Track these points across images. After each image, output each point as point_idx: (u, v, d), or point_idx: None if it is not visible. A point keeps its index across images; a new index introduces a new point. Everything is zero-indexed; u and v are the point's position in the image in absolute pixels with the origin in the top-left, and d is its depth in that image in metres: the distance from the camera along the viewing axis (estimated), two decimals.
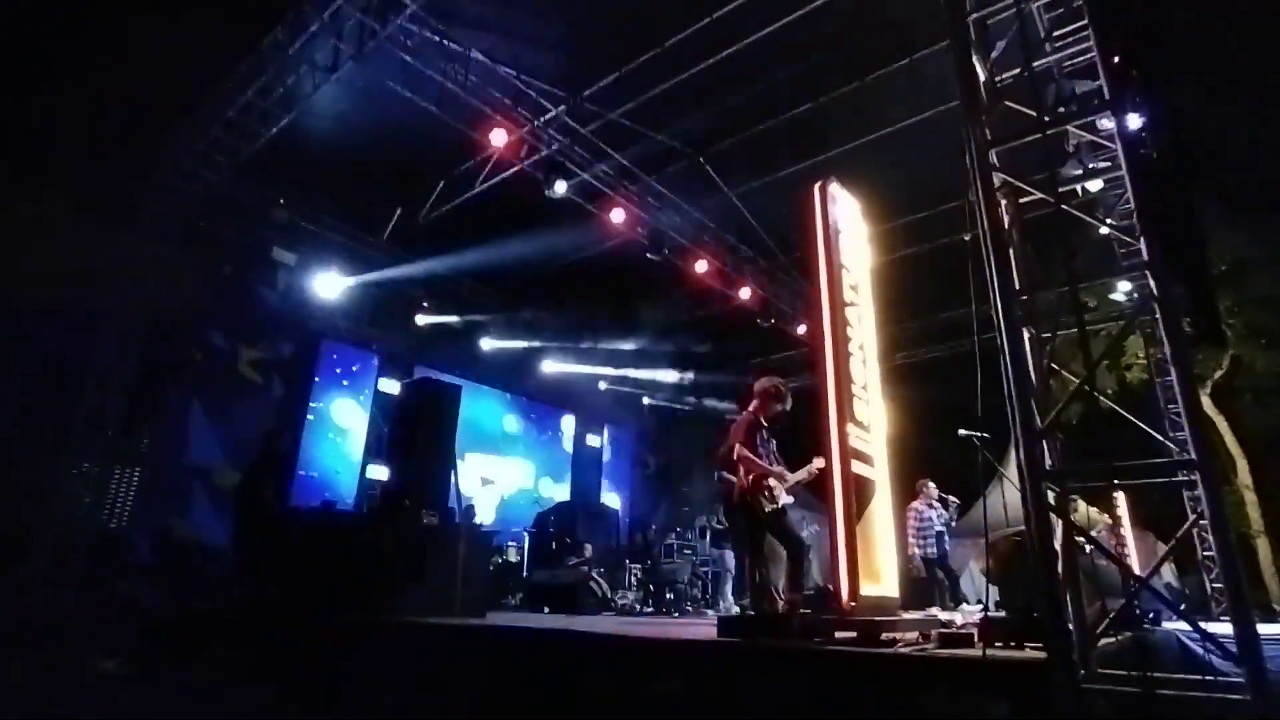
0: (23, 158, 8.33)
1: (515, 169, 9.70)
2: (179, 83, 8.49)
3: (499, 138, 8.83)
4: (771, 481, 4.94)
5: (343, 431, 11.66)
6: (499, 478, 13.76)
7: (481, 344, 13.47)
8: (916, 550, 8.88)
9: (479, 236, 11.32)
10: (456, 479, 6.68)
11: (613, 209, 10.40)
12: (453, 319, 12.82)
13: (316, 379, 11.44)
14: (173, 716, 5.87)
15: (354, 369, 12.08)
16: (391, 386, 11.89)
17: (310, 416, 11.20)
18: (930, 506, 8.99)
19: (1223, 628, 2.95)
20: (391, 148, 9.54)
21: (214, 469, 9.96)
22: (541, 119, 9.25)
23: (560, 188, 9.39)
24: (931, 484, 9.10)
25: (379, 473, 10.81)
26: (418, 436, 6.84)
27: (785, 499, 5.01)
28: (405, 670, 4.90)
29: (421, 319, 12.60)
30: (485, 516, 11.54)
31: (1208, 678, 3.13)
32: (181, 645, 6.77)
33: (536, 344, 14.22)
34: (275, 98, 8.43)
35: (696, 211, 11.35)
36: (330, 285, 11.16)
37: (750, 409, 5.23)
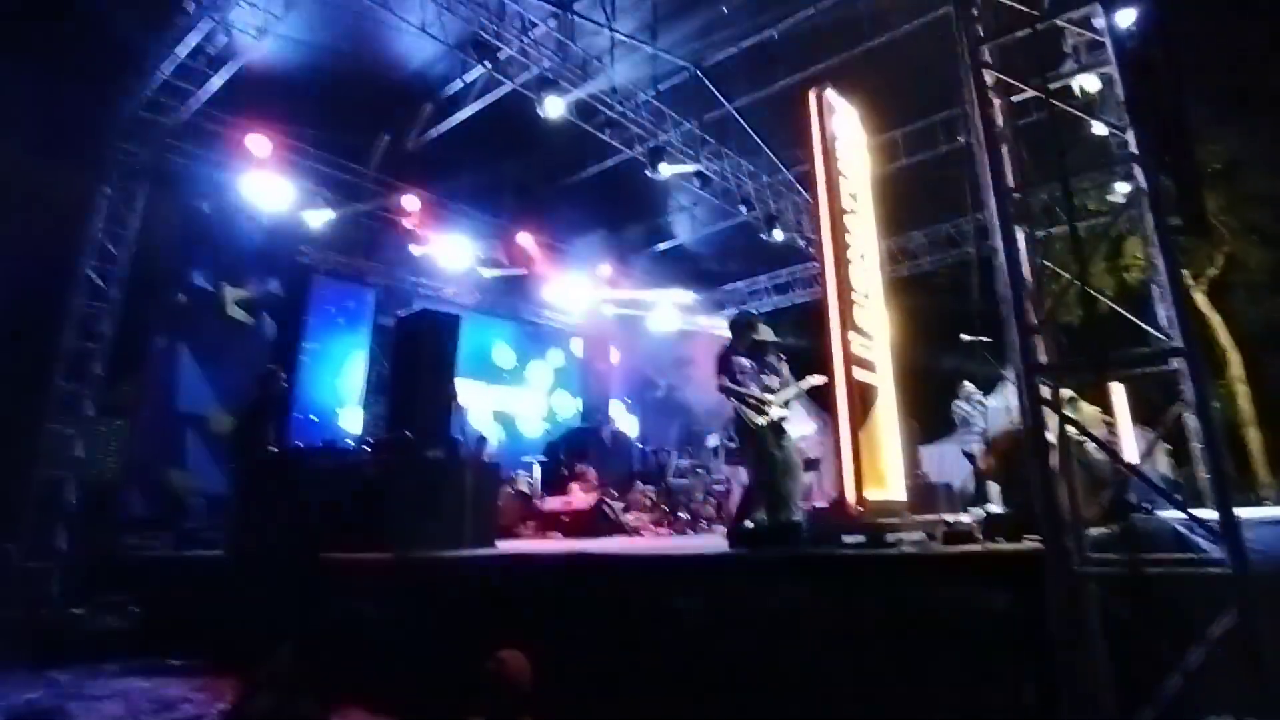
0: None
1: (507, 89, 9.31)
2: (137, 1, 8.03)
3: (486, 56, 8.48)
4: (764, 399, 5.20)
5: (341, 370, 11.56)
6: (505, 407, 13.86)
7: (482, 272, 13.17)
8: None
9: (473, 161, 11.02)
10: (462, 411, 6.71)
11: (609, 126, 10.12)
12: (452, 246, 12.44)
13: (309, 317, 11.22)
14: (185, 665, 6.03)
15: (349, 305, 11.89)
16: (390, 321, 11.65)
17: (304, 357, 11.00)
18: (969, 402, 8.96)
19: (1212, 514, 3.07)
20: (375, 71, 9.18)
21: (208, 415, 9.79)
22: (532, 34, 8.85)
23: (554, 107, 8.97)
24: (967, 383, 9.11)
25: (381, 409, 10.83)
26: (418, 370, 6.80)
27: (779, 414, 5.23)
28: (416, 603, 5.05)
29: (417, 249, 12.22)
30: (498, 447, 11.67)
31: (1193, 556, 3.29)
32: (188, 593, 6.93)
33: (539, 269, 14.02)
34: (244, 19, 7.83)
35: (696, 128, 11.06)
36: (318, 218, 10.70)
37: (726, 345, 5.58)
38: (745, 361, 5.43)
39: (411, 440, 6.31)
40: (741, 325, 5.66)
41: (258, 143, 9.66)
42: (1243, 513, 3.06)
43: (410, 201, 11.59)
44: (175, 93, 8.70)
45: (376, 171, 11.47)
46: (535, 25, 8.86)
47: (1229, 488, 3.05)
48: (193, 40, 7.99)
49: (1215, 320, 14.70)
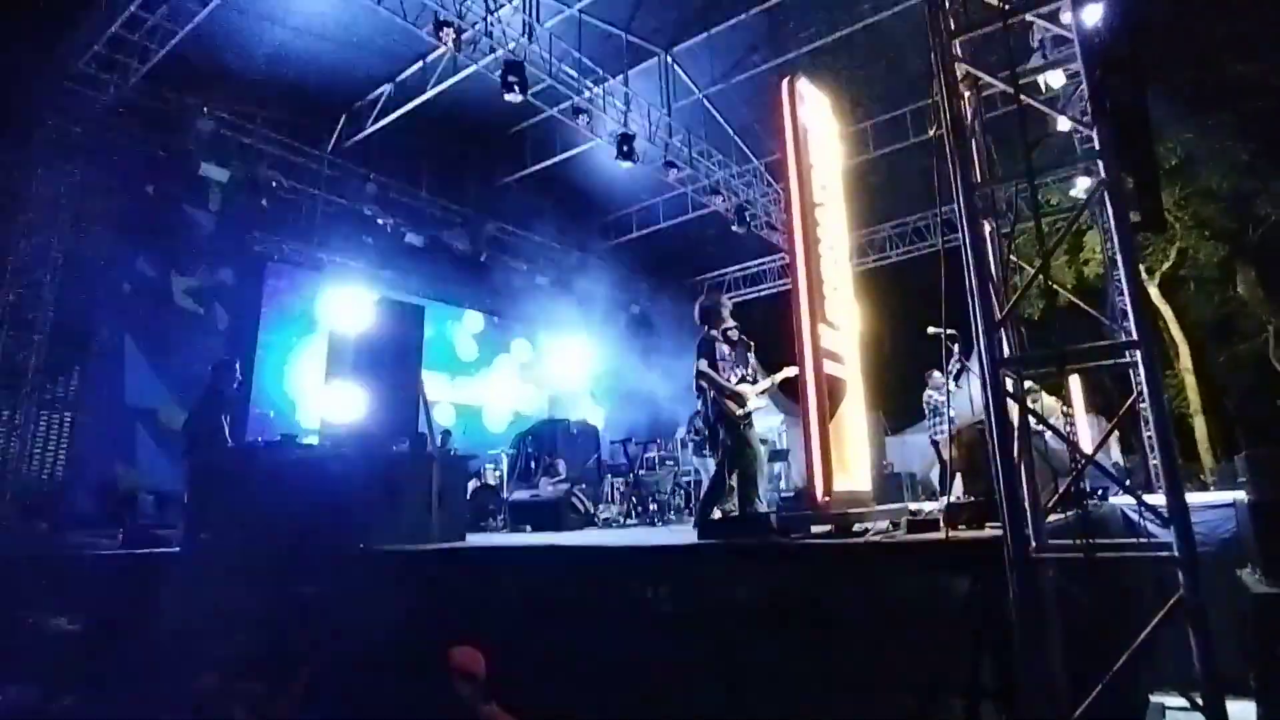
0: None
1: (470, 70, 9.12)
2: None
3: (449, 36, 8.28)
4: (742, 389, 5.16)
5: (299, 362, 11.26)
6: (472, 399, 13.72)
7: (444, 261, 12.97)
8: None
9: (433, 146, 10.80)
10: (427, 405, 6.61)
11: (577, 113, 9.99)
12: (414, 235, 12.25)
13: (264, 307, 10.87)
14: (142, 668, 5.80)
15: (306, 294, 11.60)
16: (350, 311, 11.49)
17: (260, 351, 10.68)
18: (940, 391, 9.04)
19: (1160, 499, 3.19)
20: (331, 51, 8.93)
21: (158, 409, 9.40)
22: (496, 14, 8.66)
23: (519, 90, 8.77)
24: (936, 373, 9.21)
25: (342, 403, 10.57)
26: (380, 362, 6.62)
27: (756, 405, 5.22)
28: (384, 598, 4.99)
29: (377, 238, 11.98)
30: (460, 440, 11.55)
31: (1143, 540, 3.41)
32: (142, 593, 6.70)
33: (505, 259, 13.86)
34: None
35: (666, 115, 11.01)
36: (271, 204, 10.38)
37: (705, 329, 5.46)
38: (726, 349, 5.33)
39: (376, 434, 6.20)
40: (715, 309, 5.50)
41: (205, 123, 9.32)
42: (1189, 498, 3.18)
43: (369, 187, 11.32)
44: (111, 66, 8.31)
45: (333, 156, 11.14)
46: (501, 5, 8.67)
47: (1179, 475, 3.15)
48: (129, 7, 7.64)
49: (1167, 313, 15.20)
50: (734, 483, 5.15)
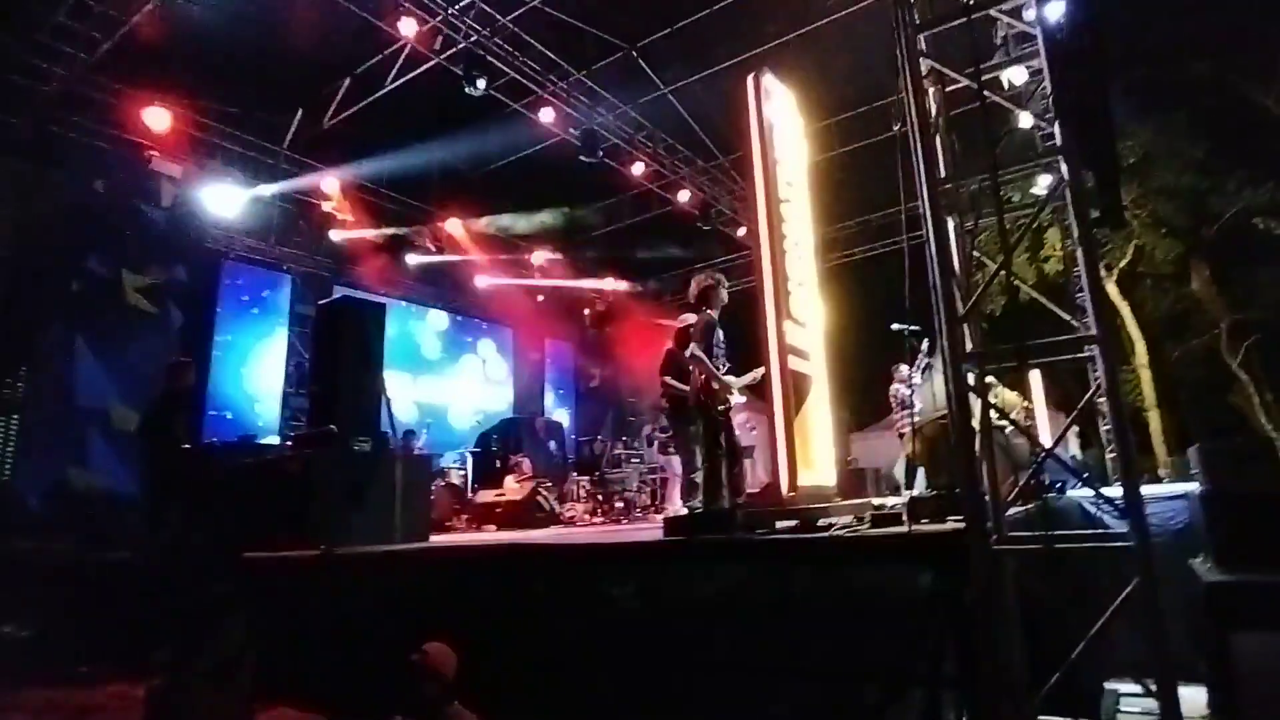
0: None
1: (431, 64, 8.95)
2: None
3: (409, 27, 8.15)
4: (729, 380, 5.07)
5: (256, 362, 11.05)
6: (436, 398, 13.57)
7: (407, 259, 12.76)
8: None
9: (395, 141, 10.60)
10: (389, 404, 6.50)
11: (541, 108, 9.89)
12: (373, 233, 12.01)
13: (220, 306, 10.66)
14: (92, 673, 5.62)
15: (263, 293, 11.37)
16: (310, 310, 11.12)
17: (217, 351, 10.48)
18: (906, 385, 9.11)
19: (1117, 491, 3.24)
20: (287, 41, 8.65)
21: (109, 410, 9.11)
22: (457, 6, 8.50)
23: (481, 84, 8.68)
24: (903, 366, 9.28)
25: (303, 403, 10.42)
26: (341, 360, 6.50)
27: (737, 398, 5.16)
28: (345, 598, 4.90)
29: (337, 235, 11.70)
30: (425, 439, 11.43)
31: (1100, 532, 3.48)
32: (93, 598, 6.49)
33: (467, 256, 13.70)
34: None
35: (632, 110, 10.93)
36: (227, 200, 10.08)
37: (704, 309, 5.23)
38: (721, 334, 5.13)
39: (337, 434, 6.09)
40: (715, 290, 5.18)
41: (156, 116, 9.01)
42: (1144, 490, 3.24)
43: (328, 184, 11.09)
44: (55, 56, 8.03)
45: (290, 151, 10.89)
46: None
47: (1134, 468, 3.21)
48: None
49: (1124, 309, 15.56)
50: (698, 479, 5.11)
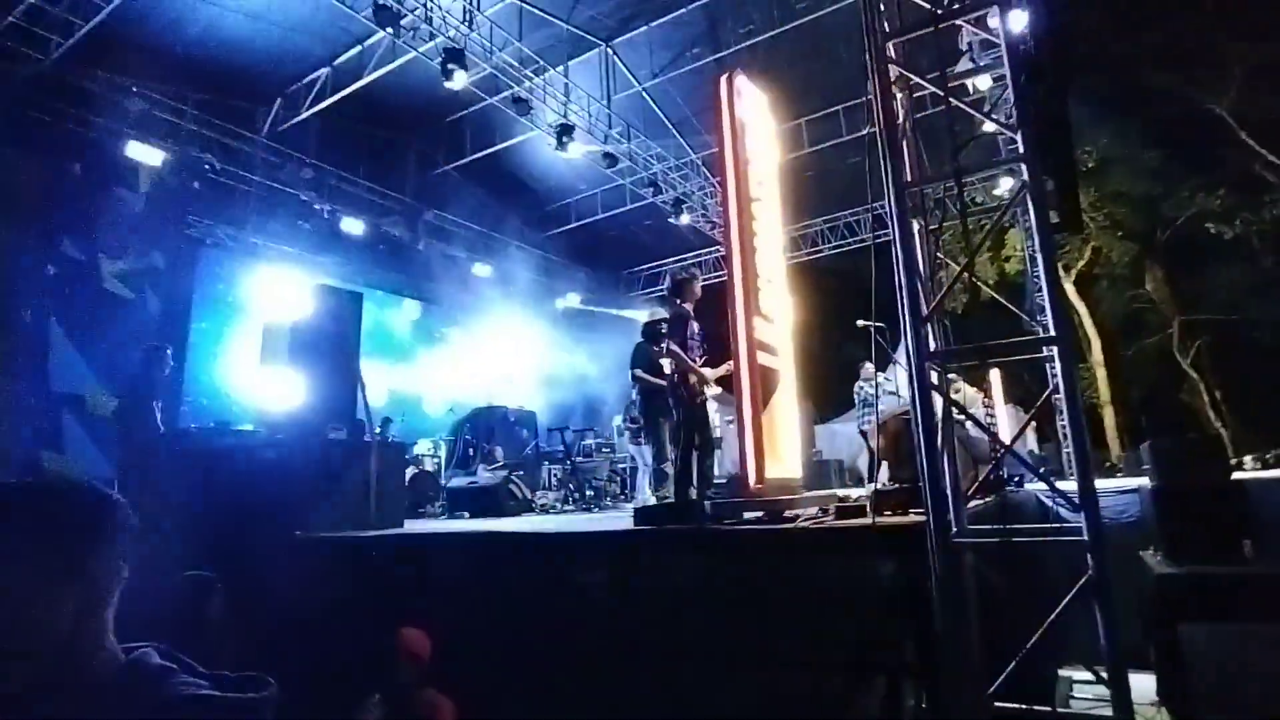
0: None
1: (409, 56, 8.92)
2: None
3: (387, 18, 8.11)
4: (705, 372, 5.16)
5: (233, 348, 10.94)
6: (409, 387, 13.50)
7: (382, 248, 12.70)
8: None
9: (372, 132, 10.55)
10: (365, 393, 6.52)
11: (517, 102, 9.92)
12: (351, 222, 11.96)
13: (197, 293, 10.53)
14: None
15: (241, 280, 11.25)
16: (287, 297, 11.04)
17: (194, 337, 10.35)
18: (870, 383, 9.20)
19: (1072, 485, 3.37)
20: (267, 31, 8.61)
21: (85, 395, 9.01)
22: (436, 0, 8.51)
23: (460, 78, 8.65)
24: (868, 364, 9.41)
25: (278, 390, 10.36)
26: (318, 349, 6.52)
27: (712, 390, 5.25)
28: (321, 584, 4.90)
29: (314, 224, 11.66)
30: (399, 428, 11.38)
31: (1055, 525, 3.63)
32: None
33: (443, 247, 13.63)
34: None
35: (606, 106, 10.99)
36: (205, 187, 10.03)
37: (677, 302, 5.33)
38: (696, 326, 5.21)
39: (314, 421, 6.10)
40: (690, 284, 5.28)
41: (134, 102, 8.93)
42: (1098, 484, 3.38)
43: (305, 173, 11.01)
44: (30, 39, 7.89)
45: (268, 140, 10.78)
46: None
47: (1089, 464, 3.33)
48: None
49: (1081, 309, 16.02)
50: (667, 469, 5.19)
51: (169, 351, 7.60)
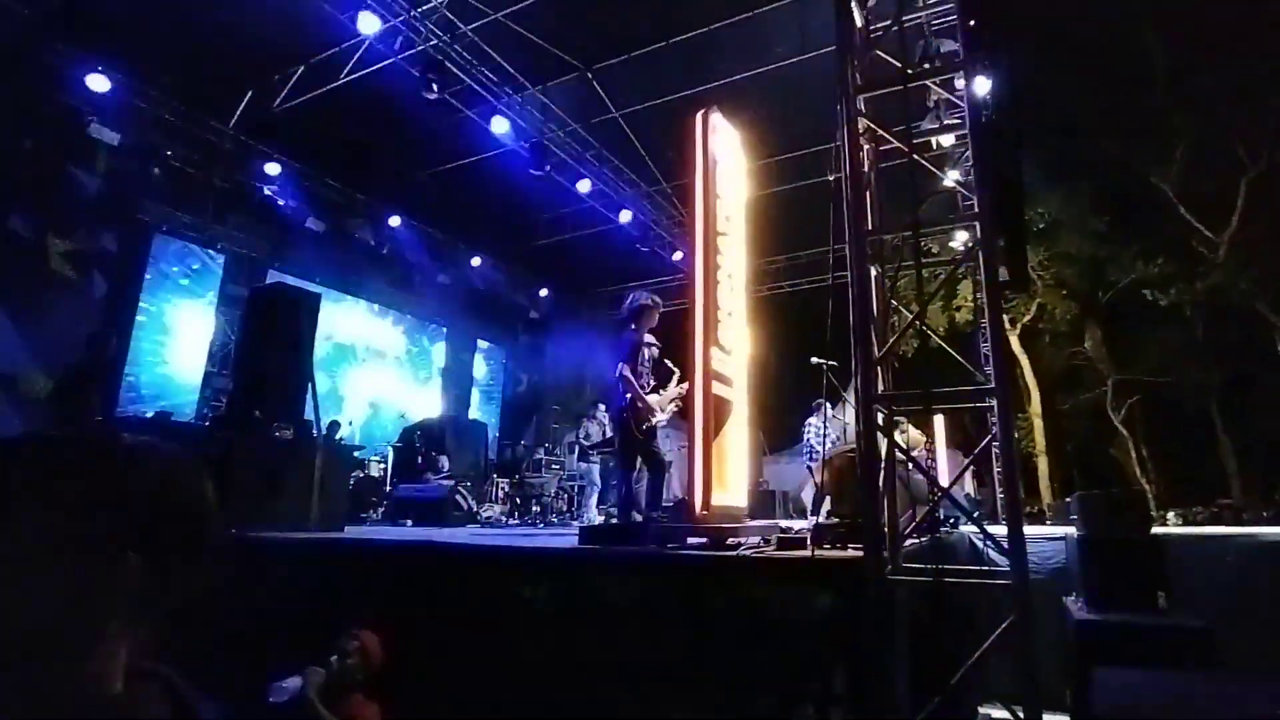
0: None
1: (388, 61, 8.93)
2: None
3: (369, 23, 8.11)
4: (652, 400, 5.23)
5: (180, 336, 10.68)
6: (364, 393, 13.31)
7: (345, 250, 12.58)
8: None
9: (344, 133, 10.45)
10: (315, 393, 6.42)
11: (494, 117, 9.97)
12: (314, 221, 11.86)
13: (147, 279, 10.26)
14: None
15: (194, 268, 11.01)
16: (241, 290, 10.87)
17: (141, 318, 10.07)
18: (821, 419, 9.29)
19: (1003, 529, 3.53)
20: (243, 21, 8.44)
21: (19, 375, 8.65)
22: (420, 8, 8.55)
23: (437, 88, 8.70)
24: (826, 405, 9.56)
25: (225, 384, 10.15)
26: (271, 346, 6.42)
27: (661, 418, 5.33)
28: (255, 584, 4.80)
29: (276, 220, 11.52)
30: (349, 431, 11.20)
31: (985, 568, 3.79)
32: None
33: (408, 254, 13.55)
34: None
35: (582, 129, 11.11)
36: (165, 173, 9.83)
37: (632, 328, 5.42)
38: (647, 353, 5.29)
39: (260, 418, 6.00)
40: (646, 311, 5.40)
41: (98, 81, 8.67)
42: (1027, 529, 3.54)
43: (271, 168, 10.85)
44: None
45: (235, 131, 10.60)
46: (427, 1, 8.59)
47: (1020, 510, 3.49)
48: None
49: (1024, 361, 16.64)
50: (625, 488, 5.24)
51: (112, 338, 7.38)
